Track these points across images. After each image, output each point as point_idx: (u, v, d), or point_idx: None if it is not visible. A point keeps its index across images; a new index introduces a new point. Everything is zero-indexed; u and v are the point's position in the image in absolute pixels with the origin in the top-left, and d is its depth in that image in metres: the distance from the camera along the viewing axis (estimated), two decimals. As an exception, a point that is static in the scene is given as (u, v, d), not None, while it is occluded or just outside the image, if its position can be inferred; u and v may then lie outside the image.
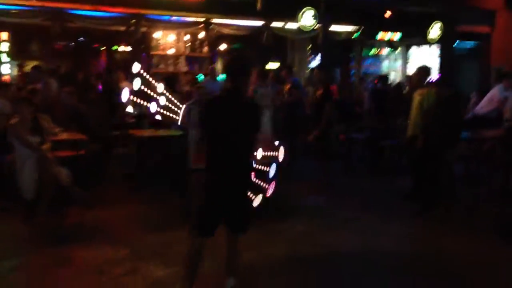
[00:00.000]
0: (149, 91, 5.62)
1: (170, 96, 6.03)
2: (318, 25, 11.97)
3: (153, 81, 5.75)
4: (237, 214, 3.79)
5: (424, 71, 8.04)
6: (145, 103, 5.73)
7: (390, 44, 15.29)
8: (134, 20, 10.71)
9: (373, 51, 16.37)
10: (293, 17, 11.84)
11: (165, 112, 5.94)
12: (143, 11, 10.73)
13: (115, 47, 15.73)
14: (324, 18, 11.83)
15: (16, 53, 12.24)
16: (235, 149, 3.62)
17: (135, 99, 5.69)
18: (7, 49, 11.53)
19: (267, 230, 5.64)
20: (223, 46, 13.53)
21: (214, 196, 3.65)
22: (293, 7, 11.70)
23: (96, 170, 7.51)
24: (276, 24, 12.11)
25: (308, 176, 8.47)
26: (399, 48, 16.06)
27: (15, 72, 12.49)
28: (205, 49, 13.14)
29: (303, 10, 11.71)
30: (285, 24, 12.20)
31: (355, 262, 4.91)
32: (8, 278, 4.31)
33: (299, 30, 12.06)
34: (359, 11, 12.85)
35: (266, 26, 11.94)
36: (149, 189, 7.21)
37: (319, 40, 12.26)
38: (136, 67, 5.34)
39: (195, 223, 3.71)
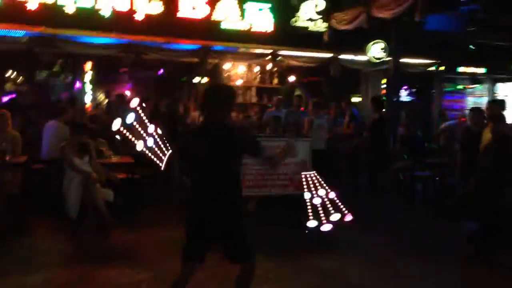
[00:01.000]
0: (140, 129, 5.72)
1: (158, 140, 5.90)
2: (388, 58, 11.67)
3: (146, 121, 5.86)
4: (228, 243, 3.72)
5: (496, 106, 7.52)
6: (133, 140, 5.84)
7: (474, 79, 14.53)
8: (202, 52, 11.08)
9: (456, 86, 15.63)
10: (362, 50, 11.66)
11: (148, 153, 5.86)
12: (211, 43, 11.10)
13: (195, 79, 16.40)
14: (394, 50, 11.51)
15: (99, 83, 13.17)
16: (211, 176, 3.63)
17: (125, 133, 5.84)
18: (90, 78, 12.44)
19: (297, 262, 5.49)
20: (292, 78, 13.60)
21: (192, 221, 3.70)
22: (361, 39, 11.53)
23: (147, 193, 7.81)
24: (344, 56, 12.00)
25: (360, 211, 8.17)
26: (484, 84, 15.20)
27: (101, 98, 13.46)
28: (275, 80, 13.30)
29: (371, 43, 11.49)
30: (355, 56, 12.06)
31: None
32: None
33: (369, 63, 11.84)
34: (436, 43, 12.40)
35: (334, 58, 11.87)
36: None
37: (389, 73, 11.91)
38: (134, 102, 5.53)
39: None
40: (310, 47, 11.89)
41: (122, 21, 10.74)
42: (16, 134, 7.01)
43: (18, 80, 20.25)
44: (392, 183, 9.64)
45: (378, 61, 11.58)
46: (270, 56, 11.59)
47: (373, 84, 13.76)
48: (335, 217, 3.87)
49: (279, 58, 11.65)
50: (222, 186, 3.64)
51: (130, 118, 5.07)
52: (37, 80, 18.33)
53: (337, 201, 3.95)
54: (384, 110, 8.37)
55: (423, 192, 9.10)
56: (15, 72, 18.91)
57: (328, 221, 4.79)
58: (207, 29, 11.10)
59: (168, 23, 10.87)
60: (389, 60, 11.71)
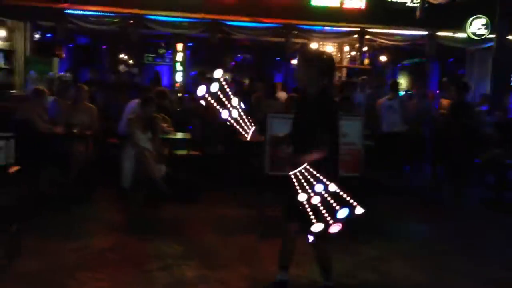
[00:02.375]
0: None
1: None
2: (491, 35, 10.51)
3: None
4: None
5: None
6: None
7: None
8: (286, 31, 10.84)
9: None
10: (460, 27, 10.62)
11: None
12: (294, 22, 10.81)
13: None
14: (499, 27, 10.31)
15: (194, 63, 13.51)
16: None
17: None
18: (181, 59, 12.79)
19: (337, 247, 5.12)
20: (383, 58, 12.86)
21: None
22: (460, 15, 10.50)
23: (211, 172, 7.85)
24: (442, 33, 11.04)
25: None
26: None
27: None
28: (366, 60, 12.64)
29: (471, 18, 10.41)
30: (453, 34, 11.04)
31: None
32: (64, 255, 4.69)
33: (469, 40, 10.76)
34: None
35: (430, 36, 10.96)
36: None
37: (493, 52, 10.72)
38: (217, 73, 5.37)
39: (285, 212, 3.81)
40: (403, 25, 11.12)
41: (208, 1, 10.89)
42: (91, 106, 7.38)
43: (130, 61, 21.64)
44: (483, 172, 8.78)
45: (478, 38, 10.48)
46: (357, 35, 11.02)
47: (480, 65, 12.49)
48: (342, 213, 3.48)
49: (367, 36, 11.01)
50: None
51: (214, 87, 4.92)
52: (145, 62, 19.51)
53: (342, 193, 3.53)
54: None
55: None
56: (126, 56, 20.26)
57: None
58: (296, 6, 10.83)
59: (255, 2, 10.79)
60: (493, 38, 10.58)
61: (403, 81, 16.66)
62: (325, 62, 3.74)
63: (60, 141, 6.97)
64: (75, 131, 6.82)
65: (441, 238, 5.88)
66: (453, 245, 5.58)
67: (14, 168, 5.37)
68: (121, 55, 21.12)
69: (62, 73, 11.06)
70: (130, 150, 6.46)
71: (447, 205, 7.42)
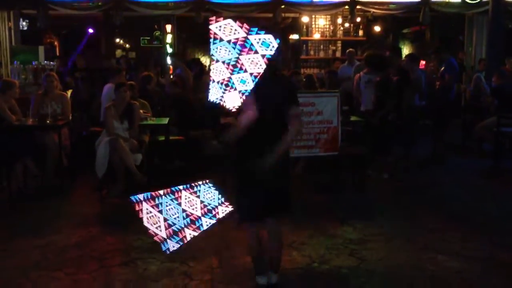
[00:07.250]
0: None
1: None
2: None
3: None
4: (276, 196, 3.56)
5: None
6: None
7: None
8: (273, 5, 10.43)
9: None
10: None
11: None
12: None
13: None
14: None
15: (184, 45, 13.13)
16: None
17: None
18: (170, 41, 12.43)
19: (316, 230, 4.91)
20: (378, 28, 12.36)
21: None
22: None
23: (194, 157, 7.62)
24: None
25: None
26: None
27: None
28: (361, 32, 12.18)
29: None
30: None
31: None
32: (26, 253, 4.50)
33: (463, 5, 10.26)
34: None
35: (423, 3, 10.46)
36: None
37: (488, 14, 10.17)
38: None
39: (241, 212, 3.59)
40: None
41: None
42: (63, 94, 7.12)
43: (127, 46, 21.29)
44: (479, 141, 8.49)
45: (473, 2, 9.98)
46: (348, 6, 10.56)
47: (477, 30, 11.96)
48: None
49: (358, 6, 10.55)
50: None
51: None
52: (142, 45, 19.17)
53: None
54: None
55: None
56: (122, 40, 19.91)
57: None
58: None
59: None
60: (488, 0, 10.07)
61: (405, 50, 16.18)
62: None
63: (33, 133, 6.75)
64: (48, 121, 6.57)
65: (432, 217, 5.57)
66: (441, 225, 5.28)
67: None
68: (117, 40, 20.78)
69: (46, 62, 10.78)
70: (104, 137, 6.22)
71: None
